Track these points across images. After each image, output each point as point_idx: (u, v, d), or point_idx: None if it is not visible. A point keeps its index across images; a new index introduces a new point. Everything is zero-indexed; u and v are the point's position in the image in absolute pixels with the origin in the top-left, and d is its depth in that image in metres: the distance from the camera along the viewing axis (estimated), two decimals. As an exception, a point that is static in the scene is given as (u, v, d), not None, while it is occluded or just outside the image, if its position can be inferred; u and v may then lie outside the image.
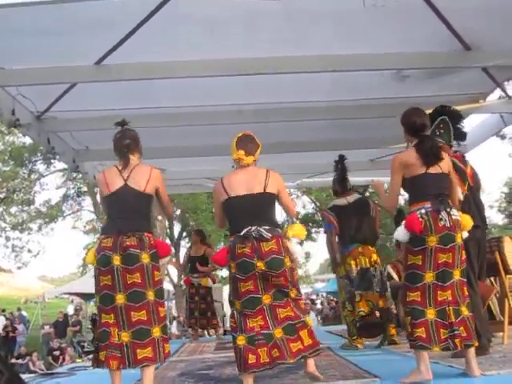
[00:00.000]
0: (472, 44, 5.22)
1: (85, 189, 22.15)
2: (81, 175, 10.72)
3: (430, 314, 3.80)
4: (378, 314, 6.07)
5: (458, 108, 6.00)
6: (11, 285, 38.74)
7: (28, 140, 20.63)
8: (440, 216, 3.84)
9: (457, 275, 3.89)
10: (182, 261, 27.33)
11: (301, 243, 23.02)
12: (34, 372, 12.68)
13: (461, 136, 4.97)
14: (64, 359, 15.71)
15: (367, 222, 6.17)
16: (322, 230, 24.28)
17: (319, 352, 3.87)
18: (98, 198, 4.30)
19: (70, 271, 49.73)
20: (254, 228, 3.84)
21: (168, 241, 24.16)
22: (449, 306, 3.82)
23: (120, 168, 4.05)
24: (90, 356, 8.59)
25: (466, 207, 4.43)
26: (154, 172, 4.08)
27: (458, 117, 4.96)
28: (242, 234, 3.85)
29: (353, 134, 7.59)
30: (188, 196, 19.86)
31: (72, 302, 31.74)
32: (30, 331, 22.83)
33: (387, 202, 4.33)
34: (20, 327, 19.83)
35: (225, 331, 13.75)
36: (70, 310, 25.92)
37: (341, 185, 6.39)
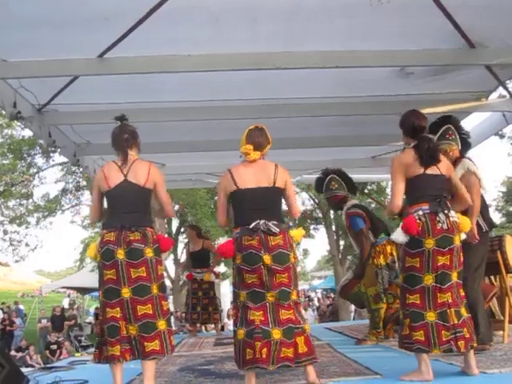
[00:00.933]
0: (477, 42, 5.20)
1: (84, 183, 22.17)
2: (80, 169, 10.72)
3: (430, 316, 3.80)
4: None
5: (461, 106, 6.03)
6: (8, 278, 38.74)
7: (27, 133, 20.63)
8: (438, 218, 3.84)
9: (455, 277, 3.89)
10: (180, 257, 27.48)
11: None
12: (31, 366, 12.68)
13: (466, 145, 5.09)
14: (61, 353, 15.71)
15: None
16: (320, 226, 24.39)
17: (314, 361, 3.81)
18: (95, 200, 4.26)
19: (67, 265, 49.79)
20: (262, 222, 3.84)
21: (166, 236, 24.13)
22: (449, 307, 3.81)
23: (119, 164, 4.07)
24: (89, 350, 8.60)
25: (484, 208, 4.43)
26: (152, 168, 4.10)
27: (460, 126, 5.09)
28: (250, 227, 3.85)
29: (354, 130, 7.59)
30: (187, 191, 19.82)
31: (69, 296, 31.81)
32: (27, 325, 22.83)
33: (391, 203, 4.10)
34: (17, 321, 19.82)
35: (222, 327, 13.75)
36: (66, 304, 25.94)
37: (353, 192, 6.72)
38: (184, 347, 7.07)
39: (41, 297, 26.30)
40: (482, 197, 4.77)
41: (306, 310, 20.32)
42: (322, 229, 24.33)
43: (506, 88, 6.51)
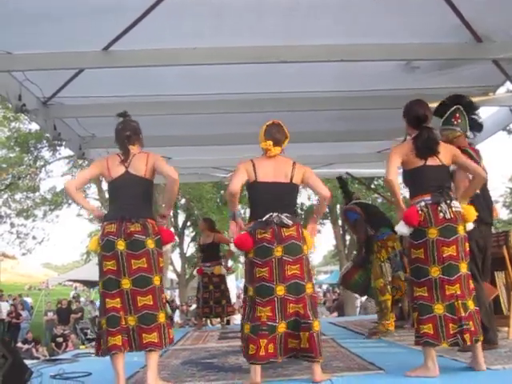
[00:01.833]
0: (483, 36, 5.16)
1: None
2: (86, 162, 10.73)
3: (438, 309, 3.76)
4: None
5: (468, 100, 5.95)
6: (15, 271, 38.85)
7: (34, 127, 20.65)
8: (439, 208, 3.81)
9: (463, 268, 3.85)
10: (186, 251, 27.52)
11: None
12: (37, 358, 12.72)
13: (477, 127, 4.87)
14: (67, 346, 15.76)
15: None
16: (326, 221, 24.37)
17: (315, 360, 3.76)
18: (85, 175, 4.29)
19: (74, 259, 49.90)
20: (275, 214, 3.86)
21: (172, 229, 24.20)
22: (457, 300, 3.77)
23: (122, 158, 4.09)
24: (93, 343, 8.63)
25: (476, 203, 4.39)
26: (150, 156, 4.09)
27: (473, 107, 4.86)
28: (263, 219, 3.87)
29: (360, 125, 7.56)
30: (193, 185, 19.85)
31: (75, 289, 31.92)
32: (33, 318, 22.93)
33: (386, 174, 3.99)
34: (24, 313, 19.90)
35: (228, 321, 13.76)
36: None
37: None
38: (188, 341, 7.08)
39: (47, 290, 26.40)
40: (484, 192, 4.69)
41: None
42: (328, 224, 24.30)
43: (513, 82, 6.46)
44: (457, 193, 4.11)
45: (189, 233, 28.16)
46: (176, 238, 26.33)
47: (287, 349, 3.79)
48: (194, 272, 9.31)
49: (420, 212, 3.83)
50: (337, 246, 24.39)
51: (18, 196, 24.05)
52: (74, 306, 20.56)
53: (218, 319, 9.16)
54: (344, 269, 6.92)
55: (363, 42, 5.21)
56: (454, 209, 3.85)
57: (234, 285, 24.67)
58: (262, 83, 6.14)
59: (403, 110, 4.18)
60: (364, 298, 16.60)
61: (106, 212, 4.21)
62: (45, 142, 21.49)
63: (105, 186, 22.13)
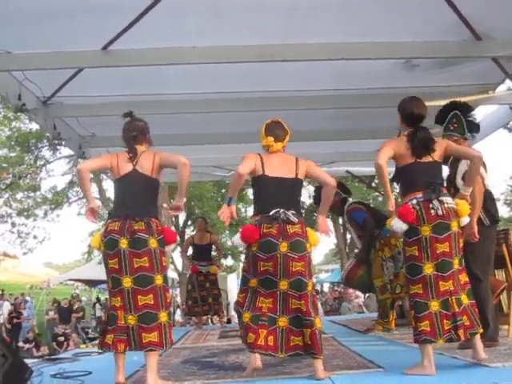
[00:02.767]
0: (483, 33, 5.16)
1: (90, 175, 22.20)
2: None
3: (434, 305, 3.77)
4: None
5: (467, 99, 5.95)
6: (17, 271, 38.88)
7: (34, 126, 20.64)
8: (431, 205, 3.81)
9: (456, 264, 3.86)
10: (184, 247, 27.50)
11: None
12: (38, 357, 12.72)
13: (475, 128, 4.89)
14: (68, 345, 15.76)
15: None
16: (326, 220, 24.36)
17: (316, 357, 3.77)
18: (97, 162, 4.27)
19: (75, 258, 49.89)
20: (281, 210, 3.88)
21: (173, 228, 24.19)
22: (451, 295, 3.79)
23: (130, 156, 4.09)
24: (94, 342, 8.63)
25: (488, 202, 4.38)
26: (156, 153, 4.11)
27: (468, 109, 4.89)
28: (270, 214, 3.88)
29: (360, 123, 7.56)
30: (194, 184, 19.85)
31: (77, 288, 31.94)
32: (35, 317, 22.93)
33: (375, 161, 3.92)
34: (25, 312, 19.90)
35: (228, 319, 13.78)
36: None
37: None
38: (188, 339, 7.08)
39: (49, 289, 26.40)
40: (485, 192, 4.69)
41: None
42: (328, 222, 24.26)
43: (513, 80, 6.46)
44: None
45: (189, 232, 28.17)
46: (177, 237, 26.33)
47: (290, 346, 3.81)
48: (188, 271, 9.34)
49: (412, 210, 3.84)
50: (338, 244, 24.40)
51: (18, 195, 24.07)
52: (75, 306, 20.55)
53: (218, 318, 9.18)
54: (347, 266, 6.89)
55: (364, 40, 5.21)
56: (446, 205, 3.84)
57: (236, 283, 24.67)
58: (263, 82, 6.14)
59: (398, 105, 4.17)
60: (366, 296, 16.61)
61: (104, 213, 4.21)
62: (45, 141, 21.51)
63: (106, 185, 22.15)
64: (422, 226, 3.80)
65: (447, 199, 3.88)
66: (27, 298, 22.97)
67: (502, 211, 29.46)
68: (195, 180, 15.71)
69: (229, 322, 12.11)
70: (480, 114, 7.58)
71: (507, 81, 6.50)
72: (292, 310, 3.83)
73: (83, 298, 25.91)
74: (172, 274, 25.73)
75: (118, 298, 3.85)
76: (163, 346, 3.84)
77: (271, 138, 4.06)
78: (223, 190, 22.15)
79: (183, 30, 5.03)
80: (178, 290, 26.67)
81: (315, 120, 7.31)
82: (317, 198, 6.72)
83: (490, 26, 5.09)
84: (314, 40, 5.18)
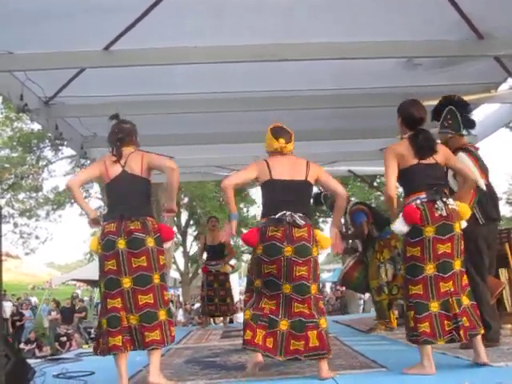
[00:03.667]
0: (485, 32, 5.15)
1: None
2: (89, 162, 10.74)
3: (434, 306, 3.76)
4: None
5: (470, 98, 5.94)
6: (19, 271, 38.96)
7: (36, 126, 20.64)
8: (436, 206, 3.80)
9: (457, 265, 3.85)
10: (189, 250, 27.49)
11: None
12: (41, 358, 12.72)
13: (470, 124, 4.83)
14: (71, 345, 15.78)
15: None
16: (329, 219, 24.35)
17: (325, 356, 3.79)
18: (85, 174, 4.37)
19: (77, 258, 49.96)
20: (288, 213, 3.87)
21: (175, 228, 24.18)
22: (451, 296, 3.78)
23: (117, 158, 4.09)
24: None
25: (483, 200, 4.37)
26: (144, 155, 4.12)
27: (464, 105, 4.81)
28: (276, 217, 3.88)
29: (362, 123, 7.55)
30: (196, 184, 19.86)
31: (79, 288, 31.94)
32: (37, 317, 22.95)
33: (386, 187, 4.08)
34: (27, 313, 19.92)
35: (231, 319, 13.75)
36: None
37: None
38: (191, 339, 7.08)
39: (51, 289, 26.43)
40: (482, 190, 4.64)
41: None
42: (331, 221, 24.25)
43: (515, 79, 6.45)
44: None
45: (192, 231, 28.19)
46: (179, 236, 26.35)
47: (289, 350, 3.80)
48: (199, 270, 9.33)
49: (417, 210, 3.83)
50: (339, 244, 24.32)
51: (20, 196, 24.09)
52: (77, 306, 20.55)
53: (221, 318, 9.16)
54: (345, 266, 6.90)
55: (365, 39, 5.20)
56: (449, 206, 3.84)
57: (238, 283, 24.68)
58: (264, 82, 6.13)
59: (398, 108, 4.15)
60: (367, 296, 16.59)
61: (103, 214, 4.20)
62: (47, 141, 21.50)
63: (105, 186, 22.17)
64: (425, 227, 3.79)
65: (449, 200, 3.88)
66: (31, 299, 23.02)
67: (505, 210, 29.40)
68: (197, 180, 15.74)
69: (231, 322, 12.09)
70: (482, 112, 7.59)
71: (509, 79, 6.48)
72: (294, 314, 3.83)
73: (85, 298, 25.89)
74: (174, 273, 25.76)
75: (118, 299, 3.84)
76: (165, 343, 3.87)
77: (283, 140, 4.06)
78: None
79: (184, 30, 5.03)
80: (180, 289, 26.71)
81: (317, 120, 7.31)
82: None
83: (492, 24, 5.07)
84: (314, 40, 5.17)
